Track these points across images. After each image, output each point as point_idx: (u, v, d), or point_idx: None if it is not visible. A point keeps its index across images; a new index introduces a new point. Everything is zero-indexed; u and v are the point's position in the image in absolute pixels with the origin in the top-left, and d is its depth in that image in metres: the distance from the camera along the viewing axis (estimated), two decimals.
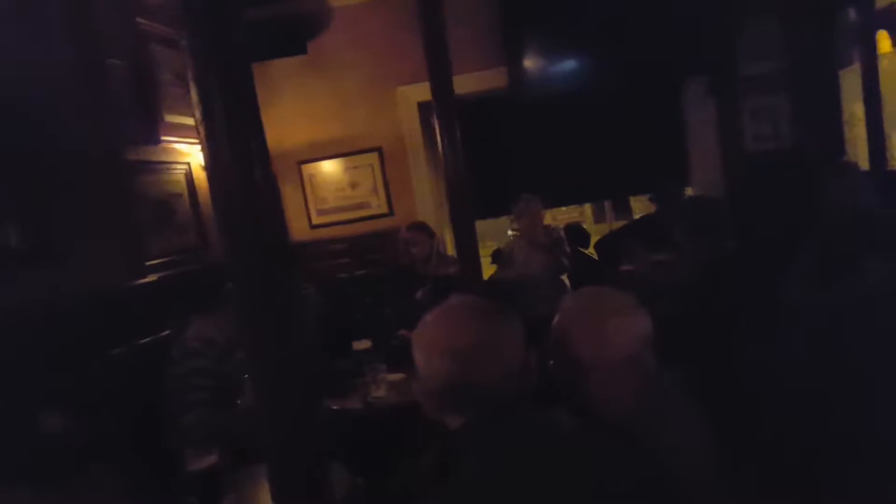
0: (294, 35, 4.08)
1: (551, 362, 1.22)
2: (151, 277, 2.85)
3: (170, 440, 2.14)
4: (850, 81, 3.64)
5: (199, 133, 0.91)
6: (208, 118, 0.90)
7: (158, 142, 3.32)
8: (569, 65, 4.08)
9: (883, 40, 3.41)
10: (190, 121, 3.50)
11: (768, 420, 1.74)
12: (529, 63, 4.05)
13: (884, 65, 3.32)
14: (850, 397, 1.58)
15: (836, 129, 3.81)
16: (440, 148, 2.46)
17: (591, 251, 4.62)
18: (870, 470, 1.43)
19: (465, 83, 3.64)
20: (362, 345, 2.70)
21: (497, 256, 4.27)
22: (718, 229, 2.26)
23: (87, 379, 2.17)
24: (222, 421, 2.15)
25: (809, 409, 1.72)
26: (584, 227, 5.44)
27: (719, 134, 4.08)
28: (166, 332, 2.59)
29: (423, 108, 4.28)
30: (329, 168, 4.47)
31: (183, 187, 3.54)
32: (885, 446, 1.50)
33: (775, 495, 1.54)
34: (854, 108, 3.67)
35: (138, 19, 3.26)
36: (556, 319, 1.25)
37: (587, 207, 11.10)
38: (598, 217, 11.31)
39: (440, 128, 2.44)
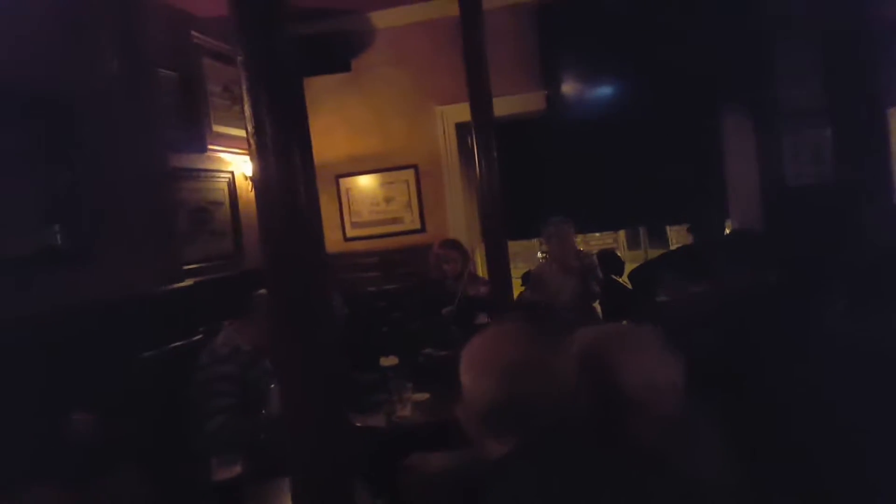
0: (338, 53, 4.16)
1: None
2: (188, 282, 2.90)
3: (195, 446, 2.16)
4: None
5: (248, 145, 0.94)
6: (259, 131, 0.92)
7: (205, 150, 3.42)
8: (607, 90, 4.07)
9: None
10: (236, 131, 3.60)
11: (801, 453, 1.69)
12: (568, 87, 4.05)
13: None
14: (885, 432, 1.52)
15: (883, 167, 3.71)
16: (476, 167, 2.48)
17: (624, 279, 4.56)
18: None
19: (504, 105, 3.66)
20: (389, 361, 2.69)
21: (527, 279, 4.24)
22: (758, 264, 2.22)
23: (119, 381, 2.21)
24: (245, 428, 2.17)
25: (842, 443, 1.66)
26: (619, 254, 5.38)
27: (759, 166, 4.01)
28: (198, 337, 2.63)
29: (460, 128, 4.31)
30: (365, 183, 4.53)
31: (224, 195, 3.62)
32: None
33: None
34: None
35: (192, 33, 3.38)
36: (585, 348, 1.22)
37: (621, 234, 10.96)
38: (633, 244, 11.16)
39: (477, 148, 2.46)
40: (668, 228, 9.16)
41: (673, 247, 7.74)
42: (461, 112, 3.85)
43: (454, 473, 1.46)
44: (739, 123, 4.05)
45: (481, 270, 4.32)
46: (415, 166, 4.44)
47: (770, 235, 3.79)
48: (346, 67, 4.24)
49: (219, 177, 3.59)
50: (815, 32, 3.74)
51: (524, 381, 1.02)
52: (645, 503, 0.94)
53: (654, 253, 7.26)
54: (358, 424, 2.28)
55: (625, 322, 3.58)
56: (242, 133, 0.94)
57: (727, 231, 4.07)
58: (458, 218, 4.44)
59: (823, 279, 2.43)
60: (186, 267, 3.08)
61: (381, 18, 4.31)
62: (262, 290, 2.25)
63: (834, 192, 3.77)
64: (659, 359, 1.12)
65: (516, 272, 4.23)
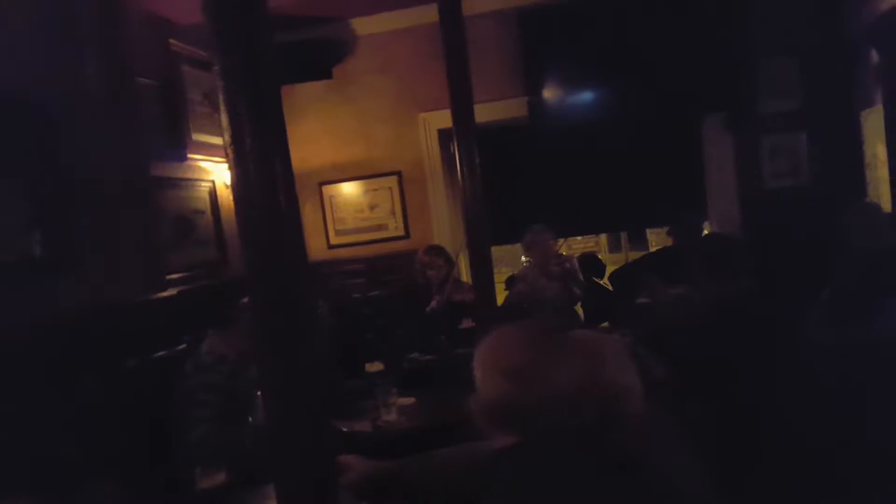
0: (320, 60, 4.17)
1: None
2: (171, 291, 2.89)
3: (178, 455, 2.15)
4: (872, 122, 3.63)
5: (227, 154, 0.94)
6: (237, 140, 0.93)
7: (185, 159, 3.40)
8: (588, 96, 4.13)
9: None
10: (216, 140, 3.59)
11: (775, 458, 1.71)
12: (549, 94, 4.09)
13: None
14: (863, 437, 1.55)
15: (856, 170, 3.79)
16: (459, 174, 2.50)
17: (605, 282, 4.61)
18: None
19: (486, 112, 3.69)
20: (375, 367, 2.69)
21: (511, 283, 4.27)
22: (736, 267, 2.26)
23: (101, 390, 2.20)
24: (230, 437, 2.16)
25: (818, 449, 1.69)
26: (600, 257, 5.43)
27: (737, 170, 4.08)
28: (182, 346, 2.61)
29: (443, 134, 4.34)
30: (349, 190, 4.54)
31: (206, 204, 3.61)
32: None
33: None
34: (876, 150, 3.65)
35: (170, 40, 3.36)
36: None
37: (602, 238, 11.06)
38: (614, 247, 11.27)
39: (459, 154, 2.47)
40: (647, 231, 9.26)
41: (653, 249, 7.83)
42: (444, 118, 3.88)
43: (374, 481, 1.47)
44: (718, 129, 4.12)
45: (465, 275, 4.35)
46: (398, 173, 4.46)
47: (748, 238, 3.86)
48: (327, 74, 4.25)
49: (200, 185, 3.57)
50: (792, 42, 3.83)
51: (526, 381, 1.05)
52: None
53: (635, 255, 7.34)
54: (344, 430, 2.28)
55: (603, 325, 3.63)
56: (222, 141, 0.95)
57: (705, 233, 4.13)
58: (442, 224, 4.46)
59: (799, 282, 2.48)
60: (170, 276, 3.06)
61: (363, 25, 4.33)
62: (246, 299, 2.25)
63: (809, 195, 3.85)
64: (621, 366, 1.16)
65: (500, 276, 4.26)
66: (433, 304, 3.59)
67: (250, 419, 2.18)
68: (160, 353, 2.52)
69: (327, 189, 4.54)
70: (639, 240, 9.97)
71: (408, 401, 2.56)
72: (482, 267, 2.56)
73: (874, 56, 3.49)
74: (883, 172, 3.47)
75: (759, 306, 2.17)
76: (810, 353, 2.08)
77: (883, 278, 2.17)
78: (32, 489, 1.57)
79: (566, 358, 1.08)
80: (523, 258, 9.56)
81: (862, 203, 3.25)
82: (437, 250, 3.80)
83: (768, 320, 2.10)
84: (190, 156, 3.44)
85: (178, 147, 3.36)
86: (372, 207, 4.53)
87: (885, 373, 1.82)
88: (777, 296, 2.43)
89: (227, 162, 0.97)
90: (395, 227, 4.51)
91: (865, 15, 3.52)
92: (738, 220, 4.06)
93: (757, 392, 1.86)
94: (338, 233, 4.59)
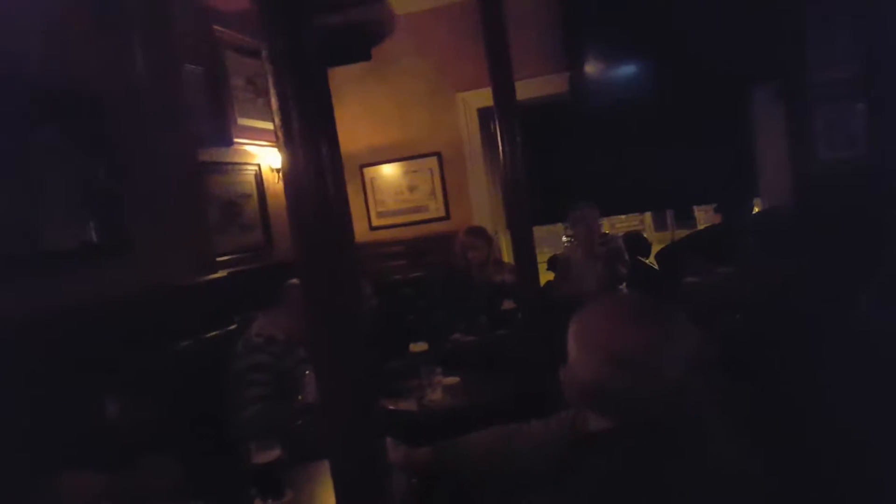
0: (359, 42, 4.16)
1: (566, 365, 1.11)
2: (221, 273, 2.97)
3: (231, 433, 2.22)
4: None
5: (276, 137, 0.95)
6: (286, 123, 0.94)
7: (231, 143, 3.47)
8: (631, 70, 4.01)
9: None
10: (261, 124, 3.65)
11: (826, 440, 1.66)
12: (591, 68, 4.00)
13: None
14: None
15: None
16: (500, 153, 2.47)
17: (651, 261, 4.52)
18: None
19: (527, 89, 3.64)
20: (419, 347, 2.72)
21: (553, 264, 4.23)
22: (788, 245, 2.18)
23: (155, 370, 2.28)
24: (281, 415, 2.22)
25: (856, 441, 1.63)
26: (645, 235, 5.33)
27: (790, 143, 3.92)
28: (233, 327, 2.69)
29: (482, 113, 4.30)
30: (389, 172, 4.56)
31: (252, 188, 3.68)
32: None
33: None
34: None
35: (214, 27, 3.41)
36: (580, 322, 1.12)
37: (648, 216, 10.82)
38: (659, 226, 11.01)
39: (500, 133, 2.45)
40: (695, 209, 9.02)
41: (700, 227, 7.63)
42: (483, 97, 3.84)
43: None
44: (770, 101, 3.96)
45: (506, 256, 4.33)
46: (438, 154, 4.45)
47: (800, 216, 3.71)
48: (366, 56, 4.24)
49: (246, 170, 3.64)
50: (846, 8, 3.63)
51: (638, 369, 0.96)
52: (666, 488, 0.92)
53: (681, 234, 7.17)
54: (390, 408, 2.32)
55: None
56: (268, 125, 0.96)
57: (756, 211, 4.00)
58: (483, 205, 4.44)
59: (855, 261, 2.37)
60: (219, 259, 3.14)
61: (401, 5, 4.29)
62: (294, 280, 2.30)
63: (867, 169, 3.67)
64: (660, 326, 1.03)
65: (542, 257, 4.22)
66: (479, 300, 3.53)
67: (300, 397, 2.24)
68: (212, 334, 2.60)
69: (368, 172, 4.58)
70: (686, 218, 9.71)
71: (452, 380, 2.58)
72: (524, 247, 2.54)
73: None
74: None
75: (809, 290, 2.09)
76: (861, 335, 2.00)
77: None
78: (93, 464, 1.65)
79: (676, 341, 0.99)
80: (564, 238, 9.46)
81: None
82: (477, 231, 3.79)
83: (817, 305, 2.03)
84: (236, 140, 3.51)
85: (224, 132, 3.43)
86: (412, 189, 4.54)
87: None
88: (832, 276, 2.33)
89: (275, 146, 0.99)
90: (435, 209, 4.52)
91: None
92: (790, 196, 3.91)
93: (805, 375, 1.81)
94: (379, 215, 4.63)
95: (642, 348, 0.97)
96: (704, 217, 8.53)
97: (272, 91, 0.96)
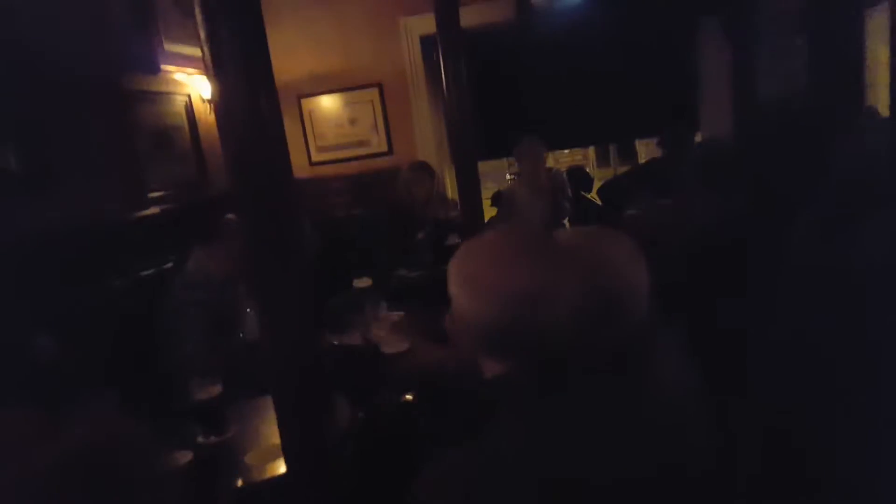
0: None
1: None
2: (153, 210, 2.84)
3: (170, 370, 2.18)
4: (877, 23, 3.51)
5: (203, 58, 0.89)
6: (215, 49, 0.87)
7: (158, 71, 3.24)
8: None
9: None
10: (191, 50, 3.41)
11: (767, 381, 1.72)
12: None
13: None
14: (853, 353, 1.55)
15: (857, 74, 3.69)
16: (443, 84, 2.41)
17: (593, 195, 4.60)
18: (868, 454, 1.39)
19: (472, 15, 3.52)
20: (363, 283, 2.70)
21: (497, 199, 4.25)
22: (727, 179, 2.23)
23: (88, 307, 2.19)
24: (222, 351, 2.19)
25: (810, 369, 1.69)
26: (588, 170, 5.40)
27: (732, 78, 3.98)
28: (168, 265, 2.59)
29: (426, 42, 4.16)
30: (329, 104, 4.39)
31: (183, 119, 3.48)
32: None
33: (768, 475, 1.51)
34: (878, 53, 3.55)
35: None
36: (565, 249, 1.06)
37: (591, 151, 10.94)
38: (602, 161, 11.18)
39: (444, 63, 2.37)
40: (636, 143, 9.17)
41: (642, 161, 7.78)
42: (427, 24, 3.69)
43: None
44: (714, 32, 3.97)
45: (451, 191, 4.31)
46: (379, 85, 4.30)
47: (742, 147, 3.81)
48: None
49: (175, 99, 3.42)
50: None
51: (530, 305, 0.89)
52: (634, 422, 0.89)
53: (623, 170, 7.31)
54: (335, 343, 2.32)
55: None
56: (197, 52, 0.88)
57: (697, 143, 4.09)
58: (427, 138, 4.36)
59: (796, 194, 2.45)
60: (151, 195, 2.99)
61: None
62: (231, 215, 2.22)
63: (806, 101, 3.76)
64: (634, 259, 1.03)
65: (486, 193, 4.22)
66: (420, 236, 3.55)
67: (241, 334, 2.21)
68: (146, 273, 2.51)
69: (306, 103, 4.39)
70: (628, 152, 9.87)
71: (397, 315, 2.59)
72: (469, 182, 2.53)
73: None
74: (883, 76, 3.40)
75: (750, 221, 2.15)
76: (793, 273, 2.09)
77: (879, 186, 2.15)
78: (26, 402, 1.60)
79: (568, 268, 0.93)
80: (508, 175, 9.47)
81: (860, 106, 3.19)
82: (421, 166, 3.74)
83: (759, 235, 2.10)
84: (163, 67, 3.28)
85: (151, 58, 3.19)
86: (352, 122, 4.41)
87: (875, 291, 1.82)
88: (773, 209, 2.41)
89: (204, 74, 0.92)
90: (377, 143, 4.41)
91: None
92: (731, 130, 3.99)
93: (743, 306, 1.88)
94: (319, 149, 4.48)
95: (531, 281, 0.90)
96: (646, 152, 8.70)
97: (198, 14, 0.89)
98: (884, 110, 3.23)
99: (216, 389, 1.57)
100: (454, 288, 0.97)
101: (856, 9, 3.63)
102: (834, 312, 1.60)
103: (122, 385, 1.98)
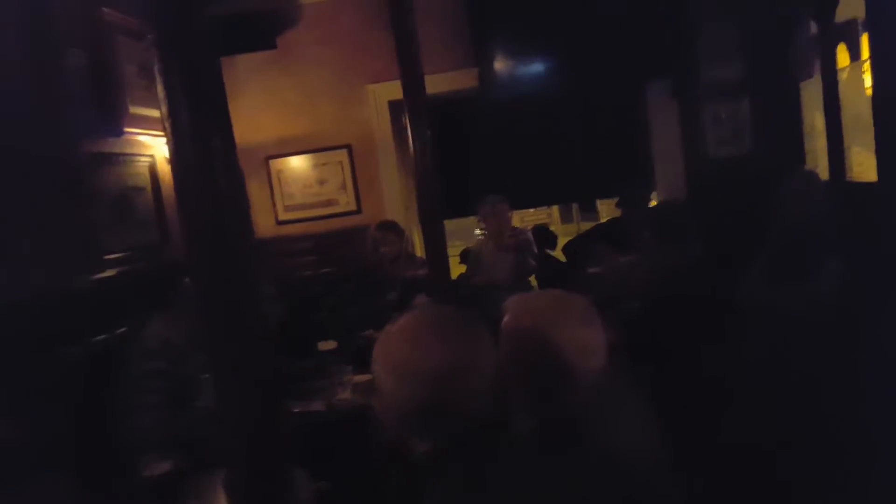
0: (262, 30, 4.01)
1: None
2: (109, 272, 2.76)
3: (123, 444, 2.07)
4: (811, 93, 3.75)
5: (164, 129, 0.89)
6: (174, 113, 0.88)
7: (121, 133, 3.22)
8: (537, 67, 4.12)
9: (842, 53, 3.52)
10: (156, 113, 3.39)
11: (727, 418, 1.77)
12: (499, 64, 4.06)
13: (843, 77, 3.43)
14: (803, 393, 1.62)
15: (795, 138, 3.91)
16: (410, 147, 2.45)
17: (558, 253, 4.66)
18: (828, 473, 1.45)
19: (437, 83, 3.63)
20: (328, 345, 2.66)
21: (465, 257, 4.27)
22: (683, 235, 2.31)
23: (37, 379, 2.09)
24: (178, 425, 2.10)
25: (764, 407, 1.74)
26: (552, 229, 5.49)
27: (683, 139, 4.16)
28: (123, 330, 2.51)
29: (393, 106, 4.26)
30: (297, 164, 4.42)
31: (146, 180, 3.44)
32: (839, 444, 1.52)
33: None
34: (814, 120, 3.78)
35: (103, 9, 3.16)
36: (515, 314, 1.14)
37: (554, 209, 11.20)
38: (566, 218, 11.43)
39: (411, 126, 2.43)
40: (598, 202, 9.42)
41: (603, 220, 7.98)
42: (394, 90, 3.76)
43: None
44: (664, 97, 4.17)
45: (419, 250, 4.32)
46: (348, 146, 4.36)
47: (694, 206, 3.95)
48: (271, 45, 4.09)
49: (139, 161, 3.40)
50: (735, 12, 3.88)
51: (446, 382, 0.94)
52: (571, 480, 0.93)
53: (587, 226, 7.45)
54: (296, 411, 2.25)
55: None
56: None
57: (654, 203, 4.21)
58: (395, 198, 4.41)
59: (744, 248, 2.56)
60: (109, 257, 2.91)
61: None
62: (188, 280, 2.17)
63: (751, 163, 3.96)
64: (586, 320, 1.07)
65: (454, 250, 4.25)
66: (391, 296, 3.53)
67: (198, 404, 2.12)
68: (100, 338, 2.41)
69: (274, 164, 4.41)
70: (590, 211, 10.12)
71: (363, 378, 2.54)
72: (436, 241, 2.54)
73: (812, 27, 3.59)
74: (821, 143, 3.60)
75: (704, 273, 2.23)
76: (746, 312, 2.15)
77: (818, 241, 2.26)
78: None
79: (485, 348, 0.98)
80: (477, 231, 9.58)
81: (801, 170, 3.36)
82: (389, 226, 3.76)
83: (713, 286, 2.17)
84: (127, 130, 3.27)
85: (114, 121, 3.19)
86: (321, 182, 4.43)
87: (816, 334, 1.90)
88: (724, 262, 2.50)
89: (164, 137, 0.92)
90: (346, 203, 4.43)
91: None
92: (685, 189, 4.15)
93: (703, 353, 1.92)
94: (286, 209, 4.48)
95: (444, 361, 0.94)
96: (607, 210, 8.93)
97: (158, 78, 0.89)
98: (823, 174, 3.41)
99: (165, 466, 1.49)
100: (377, 370, 1.01)
101: (791, 79, 3.89)
102: (783, 350, 1.67)
103: (75, 461, 1.87)
